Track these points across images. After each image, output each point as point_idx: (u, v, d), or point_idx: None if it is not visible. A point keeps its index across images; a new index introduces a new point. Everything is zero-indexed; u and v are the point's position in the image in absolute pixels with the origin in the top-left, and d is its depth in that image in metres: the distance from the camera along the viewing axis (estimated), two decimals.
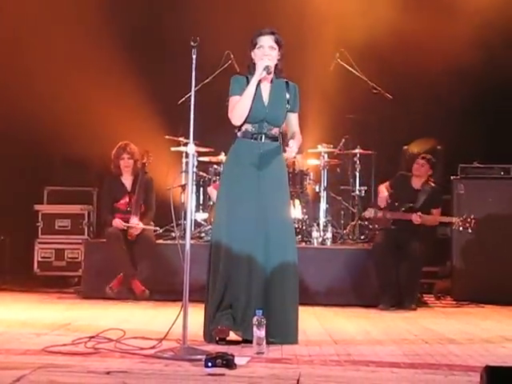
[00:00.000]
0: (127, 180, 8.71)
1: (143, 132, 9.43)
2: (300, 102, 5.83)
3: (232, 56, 9.11)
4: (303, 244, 8.88)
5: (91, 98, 9.82)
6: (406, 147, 10.28)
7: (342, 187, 10.01)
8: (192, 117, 5.17)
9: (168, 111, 9.48)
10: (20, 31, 9.75)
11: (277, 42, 5.66)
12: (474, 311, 8.14)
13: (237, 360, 4.63)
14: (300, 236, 8.94)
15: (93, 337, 5.35)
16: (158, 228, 8.80)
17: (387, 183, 8.59)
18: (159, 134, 9.59)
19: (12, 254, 10.09)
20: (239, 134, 5.69)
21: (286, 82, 5.77)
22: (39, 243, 9.75)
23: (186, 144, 8.60)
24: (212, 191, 8.94)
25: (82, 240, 9.36)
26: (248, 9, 9.96)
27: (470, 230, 8.13)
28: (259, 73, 5.56)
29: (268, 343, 5.28)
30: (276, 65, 5.69)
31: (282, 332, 5.51)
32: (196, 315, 5.54)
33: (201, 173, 9.62)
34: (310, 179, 9.57)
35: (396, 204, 8.39)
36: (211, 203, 9.11)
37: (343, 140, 9.71)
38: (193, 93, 5.20)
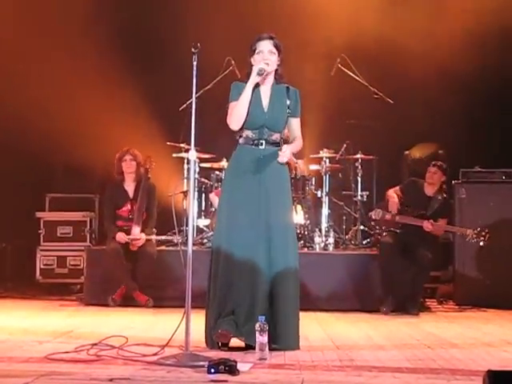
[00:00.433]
0: (130, 187, 8.71)
1: (144, 138, 9.45)
2: (301, 107, 5.83)
3: (233, 62, 9.11)
4: (305, 249, 8.87)
5: (92, 106, 9.83)
6: (407, 152, 10.29)
7: (344, 192, 10.00)
8: (193, 123, 5.17)
9: (169, 117, 9.49)
10: (18, 40, 9.73)
11: (276, 46, 5.67)
12: (476, 315, 8.14)
13: (239, 366, 4.63)
14: (302, 241, 8.94)
15: (95, 344, 5.35)
16: (160, 238, 8.79)
17: (397, 188, 8.57)
18: (161, 140, 9.59)
19: (14, 261, 10.08)
20: (240, 140, 5.70)
21: (287, 87, 5.77)
22: (41, 250, 9.74)
23: (187, 150, 8.62)
24: (214, 197, 8.93)
25: (84, 247, 9.35)
26: (248, 15, 9.97)
27: (482, 244, 8.10)
28: (253, 77, 5.57)
29: (271, 349, 5.28)
30: (276, 70, 5.70)
31: (284, 338, 5.51)
32: (198, 321, 5.54)
33: (202, 179, 9.62)
34: (311, 184, 9.58)
35: (406, 209, 8.38)
36: (213, 209, 9.10)
37: (345, 145, 9.71)
38: (194, 99, 5.21)
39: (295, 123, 5.82)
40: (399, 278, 8.19)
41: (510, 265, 8.70)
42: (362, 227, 9.55)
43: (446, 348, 5.74)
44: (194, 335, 5.15)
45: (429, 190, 8.47)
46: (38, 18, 9.83)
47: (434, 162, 8.57)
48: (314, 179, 9.64)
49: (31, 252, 9.78)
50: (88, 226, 9.84)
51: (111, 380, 4.31)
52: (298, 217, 8.95)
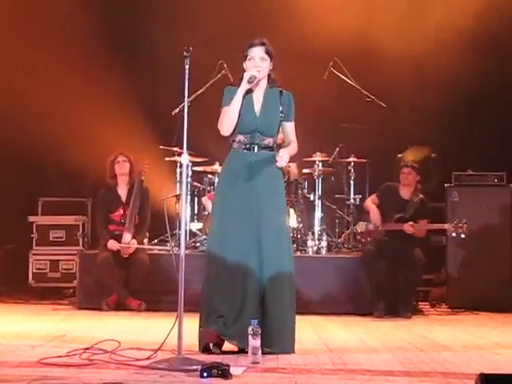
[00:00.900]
0: (123, 190, 8.69)
1: (137, 142, 9.43)
2: (295, 110, 5.83)
3: (225, 66, 9.11)
4: (298, 253, 8.88)
5: (85, 110, 9.83)
6: (400, 155, 10.29)
7: (337, 196, 10.00)
8: (185, 127, 5.17)
9: (162, 121, 9.47)
10: (10, 46, 9.71)
11: (267, 52, 5.67)
12: (469, 318, 8.15)
13: (232, 370, 4.63)
14: (295, 245, 8.93)
15: (88, 348, 5.34)
16: (152, 247, 8.75)
17: (373, 197, 8.61)
18: (153, 144, 9.59)
19: (6, 265, 10.06)
20: (233, 144, 5.72)
21: (280, 91, 5.77)
22: (34, 254, 9.71)
23: (180, 154, 8.62)
24: (207, 201, 8.93)
25: (77, 251, 9.33)
26: (241, 18, 9.98)
27: (463, 236, 8.13)
28: (244, 83, 5.58)
29: (264, 353, 5.28)
30: (269, 75, 5.71)
31: (279, 341, 5.51)
32: (191, 325, 5.53)
33: (195, 183, 9.62)
34: (304, 188, 9.58)
35: (386, 215, 8.40)
36: (206, 213, 9.11)
37: (337, 149, 9.71)
38: (186, 103, 5.21)
39: (289, 127, 5.82)
40: (387, 283, 8.21)
41: (502, 268, 8.74)
42: (354, 231, 9.55)
43: (439, 351, 5.75)
44: (186, 339, 5.15)
45: (405, 193, 8.48)
46: (28, 19, 9.81)
47: (405, 163, 8.59)
48: (306, 183, 9.66)
49: (24, 256, 9.75)
50: (81, 230, 9.81)
51: None
52: (291, 220, 8.95)
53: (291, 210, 9.05)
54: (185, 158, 5.25)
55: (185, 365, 4.82)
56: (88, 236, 9.89)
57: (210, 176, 9.47)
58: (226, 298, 5.53)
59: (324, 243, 9.17)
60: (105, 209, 8.66)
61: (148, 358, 5.07)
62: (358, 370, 4.91)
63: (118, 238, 8.42)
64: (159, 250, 8.96)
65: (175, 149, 9.27)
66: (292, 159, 8.47)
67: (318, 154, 9.67)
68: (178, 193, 9.41)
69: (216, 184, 8.30)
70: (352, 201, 9.68)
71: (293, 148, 5.78)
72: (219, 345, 5.53)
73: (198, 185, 9.62)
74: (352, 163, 9.72)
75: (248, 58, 5.67)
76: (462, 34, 9.70)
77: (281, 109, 5.73)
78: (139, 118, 9.85)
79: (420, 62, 10.05)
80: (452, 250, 8.91)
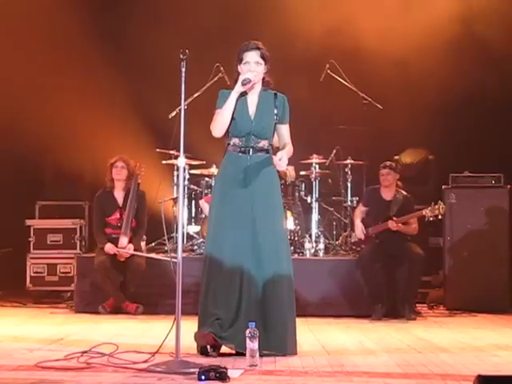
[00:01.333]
0: (119, 194, 8.68)
1: (134, 145, 9.43)
2: (290, 112, 5.83)
3: (222, 68, 9.11)
4: (296, 255, 8.86)
5: (82, 113, 9.83)
6: (397, 157, 10.30)
7: (334, 198, 10.00)
8: (182, 130, 5.17)
9: (159, 124, 9.48)
10: (7, 51, 9.70)
11: (262, 56, 5.67)
12: (466, 320, 8.15)
13: (230, 373, 4.63)
14: (292, 247, 8.92)
15: (85, 351, 5.34)
16: (150, 255, 8.71)
17: (360, 206, 8.66)
18: (150, 147, 9.59)
19: (4, 269, 10.05)
20: (228, 147, 5.72)
21: (275, 94, 5.77)
22: (31, 258, 9.70)
23: (177, 157, 8.61)
24: (204, 204, 8.93)
25: (75, 254, 9.33)
26: (237, 21, 9.99)
27: (440, 217, 8.13)
28: (237, 86, 5.59)
29: (265, 355, 5.28)
30: (263, 78, 5.71)
31: (281, 344, 5.51)
32: (189, 328, 5.54)
33: (192, 186, 9.62)
34: (301, 190, 9.58)
35: (373, 218, 8.42)
36: (203, 216, 9.11)
37: (334, 151, 9.71)
38: (183, 106, 5.20)
39: (284, 129, 5.82)
40: (384, 285, 8.21)
41: (500, 269, 8.73)
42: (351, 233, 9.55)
43: (437, 353, 5.75)
44: (184, 342, 5.14)
45: (387, 194, 8.49)
46: (28, 23, 9.81)
47: (383, 164, 8.55)
48: (303, 185, 9.65)
49: (21, 260, 9.75)
50: (78, 234, 9.80)
51: None
52: (288, 223, 8.96)
53: (288, 213, 9.05)
54: (182, 161, 5.24)
55: (183, 368, 4.82)
56: (85, 239, 9.88)
57: (207, 179, 9.46)
58: (223, 301, 5.53)
59: (321, 245, 9.18)
60: (101, 212, 8.64)
61: (146, 361, 5.07)
62: (355, 372, 4.90)
63: (115, 242, 8.41)
64: (157, 252, 8.96)
65: (172, 152, 9.27)
66: (289, 162, 8.48)
67: (314, 156, 9.67)
68: (174, 196, 9.41)
69: (213, 187, 8.30)
70: (349, 203, 9.68)
71: (289, 150, 5.77)
72: (217, 347, 5.52)
73: (195, 188, 9.62)
74: (349, 165, 9.72)
75: (243, 62, 5.67)
76: (459, 35, 9.71)
77: (275, 111, 5.73)
78: (136, 121, 9.85)
79: (417, 64, 10.05)
80: (449, 251, 8.92)
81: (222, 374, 4.54)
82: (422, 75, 10.07)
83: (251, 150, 5.66)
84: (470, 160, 9.53)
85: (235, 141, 5.69)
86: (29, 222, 9.85)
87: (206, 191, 9.36)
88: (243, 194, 5.62)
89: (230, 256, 5.54)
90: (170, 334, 5.08)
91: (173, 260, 5.16)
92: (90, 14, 10.20)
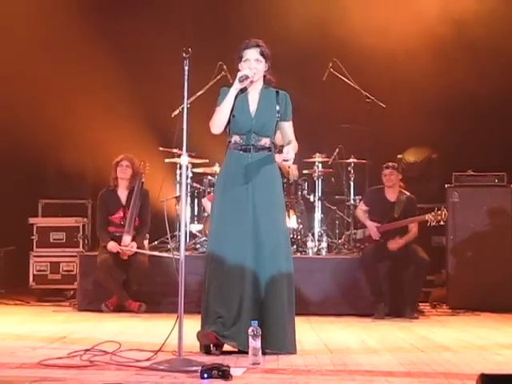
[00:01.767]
0: (123, 193, 8.69)
1: (137, 144, 9.42)
2: (293, 109, 5.81)
3: (225, 67, 9.11)
4: (298, 254, 8.87)
5: (85, 112, 9.83)
6: (400, 156, 10.29)
7: (337, 197, 9.99)
8: (185, 128, 5.17)
9: (162, 123, 9.47)
10: (9, 49, 9.70)
11: (262, 54, 5.66)
12: (469, 319, 8.14)
13: (233, 371, 4.63)
14: (295, 246, 8.93)
15: (88, 349, 5.34)
16: (153, 253, 8.71)
17: (362, 205, 8.64)
18: (153, 145, 9.59)
19: (7, 267, 10.06)
20: (230, 145, 5.71)
21: (277, 91, 5.76)
22: (34, 256, 9.70)
23: (180, 155, 8.60)
24: (206, 202, 8.93)
25: (77, 253, 9.33)
26: (240, 19, 9.99)
27: (442, 222, 8.13)
28: (235, 83, 5.59)
29: (264, 354, 5.28)
30: (264, 76, 5.70)
31: (281, 342, 5.51)
32: (191, 326, 5.54)
33: (195, 184, 9.62)
34: (304, 189, 9.58)
35: (376, 219, 8.40)
36: (206, 214, 9.10)
37: (337, 149, 9.71)
38: (185, 104, 5.20)
39: (287, 127, 5.80)
40: (387, 284, 8.23)
41: (502, 268, 8.73)
42: (354, 232, 9.54)
43: (440, 352, 5.75)
44: (187, 340, 5.15)
45: (390, 195, 8.48)
46: (29, 22, 9.80)
47: (385, 165, 8.54)
48: (306, 184, 9.65)
49: (24, 258, 9.75)
50: (81, 232, 9.80)
51: None
52: (291, 221, 8.95)
53: (291, 211, 9.04)
54: (184, 160, 5.24)
55: (185, 366, 4.82)
56: (88, 238, 9.89)
57: (209, 177, 9.46)
58: (225, 299, 5.52)
59: (324, 244, 9.18)
60: (105, 210, 8.65)
61: (148, 359, 5.07)
62: (358, 370, 4.90)
63: (118, 240, 8.42)
64: (160, 250, 8.96)
65: (175, 150, 9.27)
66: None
67: (317, 155, 9.67)
68: (177, 194, 9.41)
69: (215, 185, 8.30)
70: (352, 202, 9.67)
71: (295, 146, 5.72)
72: (219, 346, 5.52)
73: (198, 186, 9.62)
74: (352, 164, 9.71)
75: (243, 59, 5.66)
76: (462, 34, 9.71)
77: (277, 108, 5.72)
78: (139, 119, 9.85)
79: (420, 63, 10.05)
80: (452, 250, 8.91)
81: (224, 372, 4.54)
82: (425, 74, 10.06)
83: (252, 148, 5.65)
84: (473, 159, 9.53)
85: (236, 138, 5.68)
86: (32, 221, 9.85)
87: (208, 190, 9.35)
88: (244, 192, 5.61)
89: (231, 254, 5.54)
90: (172, 333, 5.09)
91: (175, 258, 5.17)
92: (92, 13, 10.19)
